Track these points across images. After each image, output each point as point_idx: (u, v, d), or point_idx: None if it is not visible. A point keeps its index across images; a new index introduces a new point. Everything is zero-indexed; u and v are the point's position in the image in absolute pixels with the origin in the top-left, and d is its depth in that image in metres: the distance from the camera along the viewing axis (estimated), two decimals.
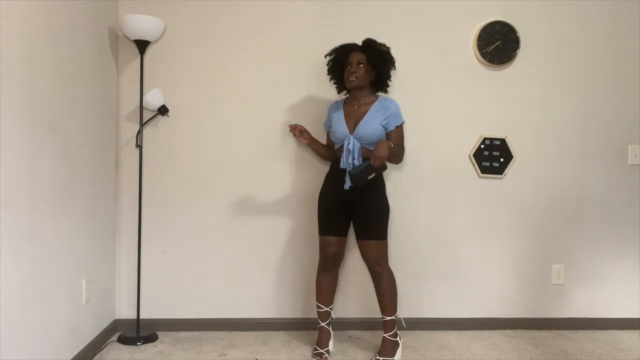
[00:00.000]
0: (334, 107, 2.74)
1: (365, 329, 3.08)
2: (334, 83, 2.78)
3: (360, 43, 2.64)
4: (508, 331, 3.14)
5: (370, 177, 2.47)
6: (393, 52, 3.05)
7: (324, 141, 2.92)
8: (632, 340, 3.03)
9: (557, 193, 3.19)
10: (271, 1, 3.04)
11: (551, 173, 3.18)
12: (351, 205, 2.60)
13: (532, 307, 3.20)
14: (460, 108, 3.13)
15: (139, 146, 2.90)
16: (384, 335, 2.64)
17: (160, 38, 2.99)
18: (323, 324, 2.73)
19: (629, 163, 3.21)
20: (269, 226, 3.08)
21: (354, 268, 3.09)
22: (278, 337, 2.97)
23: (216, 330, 3.05)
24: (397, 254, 3.11)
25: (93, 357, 2.64)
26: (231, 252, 3.07)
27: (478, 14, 3.11)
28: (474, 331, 3.12)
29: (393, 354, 2.63)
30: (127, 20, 2.73)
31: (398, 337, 2.66)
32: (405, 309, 3.10)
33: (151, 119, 2.98)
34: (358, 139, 2.55)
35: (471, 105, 3.13)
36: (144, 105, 2.90)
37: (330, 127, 2.70)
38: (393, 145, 2.47)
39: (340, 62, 2.64)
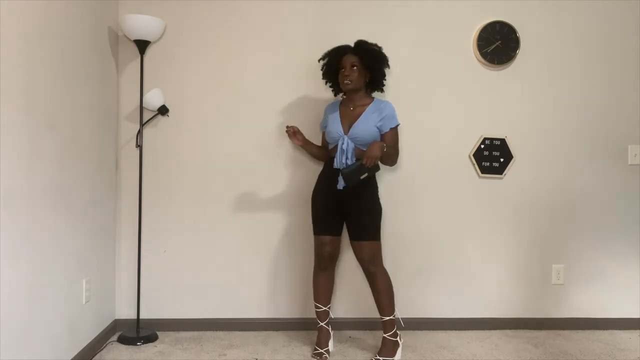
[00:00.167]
0: (330, 107, 2.74)
1: (365, 329, 3.08)
2: (330, 86, 2.79)
3: (352, 44, 2.65)
4: (508, 331, 3.14)
5: (362, 177, 2.47)
6: (393, 52, 3.05)
7: (319, 142, 2.92)
8: (632, 340, 3.03)
9: (557, 193, 3.19)
10: (271, 1, 3.04)
11: (551, 173, 3.18)
12: (344, 206, 2.60)
13: (532, 307, 3.20)
14: (460, 108, 3.13)
15: (139, 146, 2.90)
16: (384, 335, 2.64)
17: (160, 38, 2.99)
18: (322, 324, 2.73)
19: (629, 163, 3.21)
20: (269, 226, 3.08)
21: (354, 268, 3.09)
22: (278, 337, 2.97)
23: (216, 330, 3.06)
24: (397, 253, 3.11)
25: (93, 357, 2.64)
26: (231, 252, 3.07)
27: (478, 14, 3.11)
28: (474, 331, 3.12)
29: (393, 354, 2.63)
30: (127, 20, 2.73)
31: (398, 337, 2.66)
32: (406, 309, 3.10)
33: (151, 119, 2.98)
34: (352, 139, 2.56)
35: (471, 105, 3.13)
36: (144, 105, 2.90)
37: (325, 127, 2.71)
38: (386, 147, 2.49)
39: (333, 65, 2.65)
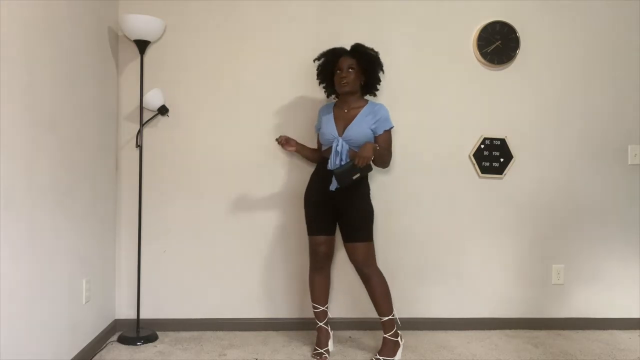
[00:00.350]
0: (324, 109, 2.75)
1: (366, 329, 3.08)
2: (323, 87, 2.79)
3: (348, 47, 2.67)
4: (508, 331, 3.14)
5: (355, 177, 2.48)
6: (393, 53, 3.06)
7: (314, 143, 2.92)
8: (632, 340, 3.03)
9: (557, 193, 3.19)
10: (271, 1, 3.04)
11: (551, 173, 3.18)
12: (337, 206, 2.61)
13: (532, 307, 3.20)
14: (460, 108, 3.13)
15: (139, 146, 2.90)
16: (385, 335, 2.64)
17: (160, 38, 2.99)
18: (321, 324, 2.73)
19: (629, 163, 3.21)
20: (269, 226, 3.08)
21: (350, 267, 3.08)
22: (278, 337, 2.97)
23: (216, 330, 3.06)
24: (397, 254, 3.11)
25: (93, 357, 2.64)
26: (231, 252, 3.07)
27: (478, 14, 3.11)
28: (474, 331, 3.12)
29: (393, 354, 2.63)
30: (127, 20, 2.73)
31: (399, 338, 2.66)
32: (406, 309, 3.10)
33: (151, 119, 2.98)
34: (347, 141, 2.56)
35: (471, 105, 3.13)
36: (144, 105, 2.90)
37: (320, 128, 2.71)
38: (379, 148, 2.52)
39: (329, 66, 2.65)
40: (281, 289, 3.11)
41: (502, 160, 3.14)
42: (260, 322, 3.08)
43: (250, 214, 3.07)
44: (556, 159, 3.18)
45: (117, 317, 3.04)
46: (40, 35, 2.10)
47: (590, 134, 3.19)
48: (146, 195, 3.00)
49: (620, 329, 3.20)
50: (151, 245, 3.03)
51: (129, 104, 3.01)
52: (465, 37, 3.11)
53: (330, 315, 2.81)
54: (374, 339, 2.94)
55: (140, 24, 2.74)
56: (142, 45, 2.83)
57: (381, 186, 3.07)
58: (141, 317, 3.00)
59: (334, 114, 2.66)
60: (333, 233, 2.69)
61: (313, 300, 2.73)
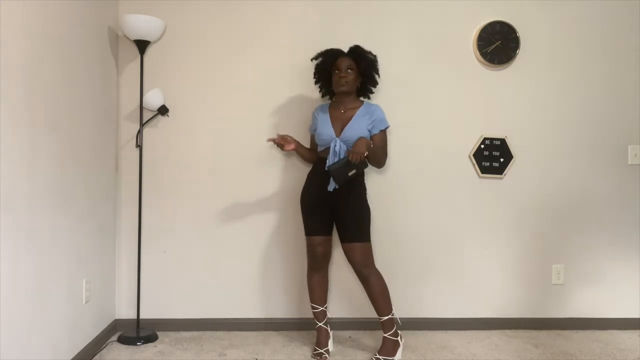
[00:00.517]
0: (319, 110, 2.74)
1: (366, 329, 3.08)
2: (318, 87, 2.79)
3: (347, 48, 2.67)
4: (508, 331, 3.14)
5: (350, 174, 2.48)
6: (393, 53, 3.07)
7: (307, 144, 2.91)
8: (632, 340, 3.03)
9: (557, 193, 3.19)
10: (271, 2, 3.04)
11: (551, 173, 3.18)
12: (333, 206, 2.61)
13: (532, 307, 3.20)
14: (460, 108, 3.13)
15: (139, 146, 2.90)
16: (384, 335, 2.64)
17: (160, 38, 2.99)
18: (321, 324, 2.73)
19: (629, 163, 3.21)
20: (269, 226, 3.08)
21: (348, 267, 3.08)
22: (278, 337, 2.97)
23: (216, 330, 3.06)
24: (397, 254, 3.11)
25: (93, 357, 2.64)
26: (231, 251, 3.07)
27: (478, 14, 3.11)
28: (474, 331, 3.12)
29: (393, 353, 2.63)
30: (127, 20, 2.73)
31: (399, 337, 2.66)
32: (406, 309, 3.10)
33: (151, 119, 2.98)
34: (344, 142, 2.57)
35: (471, 105, 3.13)
36: (144, 105, 2.90)
37: (315, 130, 2.71)
38: (374, 146, 2.53)
39: (327, 66, 2.66)
40: (281, 289, 3.11)
41: (502, 160, 3.14)
42: (260, 322, 3.08)
43: (250, 214, 3.07)
44: (556, 159, 3.18)
45: (117, 317, 3.04)
46: (40, 35, 2.10)
47: (590, 134, 3.19)
48: (146, 195, 3.00)
49: (620, 329, 3.20)
50: (151, 245, 3.03)
51: (129, 104, 3.01)
52: (465, 37, 3.11)
53: (329, 315, 2.81)
54: (373, 338, 2.94)
55: (140, 24, 2.74)
56: (142, 45, 2.83)
57: (381, 186, 3.07)
58: (141, 317, 3.00)
59: (330, 115, 2.67)
60: (330, 233, 2.70)
61: (312, 301, 2.73)
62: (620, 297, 3.22)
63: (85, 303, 2.59)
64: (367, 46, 2.74)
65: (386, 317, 2.62)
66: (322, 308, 2.73)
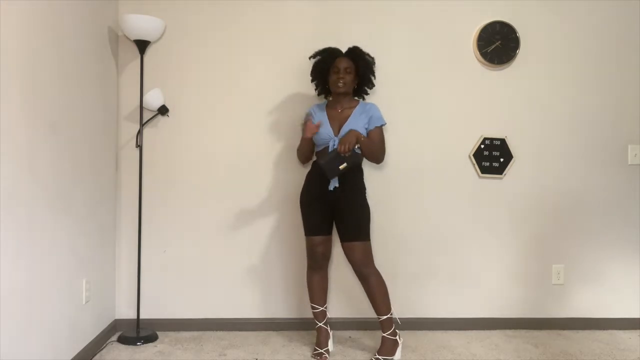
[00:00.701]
0: (316, 109, 2.74)
1: (365, 329, 3.08)
2: (315, 84, 2.77)
3: (345, 49, 2.67)
4: (508, 331, 3.14)
5: (342, 168, 2.48)
6: (393, 52, 3.08)
7: (293, 140, 2.88)
8: (632, 340, 3.03)
9: (557, 193, 3.19)
10: (271, 1, 3.04)
11: (551, 173, 3.18)
12: (333, 206, 2.61)
13: (532, 307, 3.20)
14: (460, 108, 3.13)
15: (139, 146, 2.90)
16: (383, 334, 2.64)
17: (160, 38, 2.99)
18: (321, 324, 2.73)
19: (629, 163, 3.21)
20: (269, 225, 3.08)
21: (348, 267, 3.08)
22: (278, 337, 2.97)
23: (216, 330, 3.06)
24: (397, 254, 3.11)
25: (93, 357, 2.64)
26: (231, 251, 3.07)
27: (478, 14, 3.11)
28: (474, 331, 3.12)
29: (393, 353, 2.63)
30: (127, 20, 2.73)
31: (397, 336, 2.66)
32: (406, 309, 3.10)
33: (151, 119, 2.98)
34: None
35: (471, 105, 3.13)
36: (144, 105, 2.90)
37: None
38: (369, 140, 2.53)
39: (326, 65, 2.65)
40: (281, 289, 3.11)
41: (502, 160, 3.14)
42: (260, 322, 3.08)
43: (250, 214, 3.07)
44: (556, 158, 3.18)
45: (117, 317, 3.04)
46: (40, 36, 2.10)
47: (590, 134, 3.19)
48: (146, 195, 3.00)
49: (620, 329, 3.20)
50: (151, 245, 3.03)
51: (129, 104, 3.01)
52: (465, 37, 3.11)
53: (329, 315, 2.81)
54: (373, 338, 2.94)
55: (140, 24, 2.74)
56: (142, 45, 2.83)
57: (381, 186, 3.07)
58: (141, 317, 3.00)
59: (327, 115, 2.67)
60: (330, 233, 2.70)
61: (312, 301, 2.73)
62: (620, 297, 3.22)
63: (85, 303, 2.59)
64: (367, 46, 2.74)
65: (385, 317, 2.62)
66: (322, 308, 2.73)
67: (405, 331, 3.05)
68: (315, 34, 3.01)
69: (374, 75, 2.72)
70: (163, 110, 2.94)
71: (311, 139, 2.66)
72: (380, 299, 2.60)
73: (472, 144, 3.14)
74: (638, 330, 3.20)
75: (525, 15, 3.12)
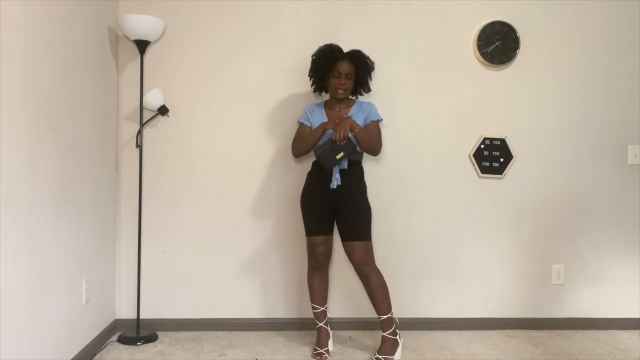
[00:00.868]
0: (314, 108, 2.74)
1: (365, 329, 3.08)
2: (312, 83, 2.75)
3: (347, 48, 2.65)
4: (508, 331, 3.14)
5: (339, 157, 2.48)
6: (393, 52, 3.08)
7: (291, 139, 2.84)
8: (632, 340, 3.03)
9: (557, 193, 3.19)
10: (271, 1, 3.04)
11: (551, 173, 3.18)
12: (335, 205, 2.61)
13: (532, 307, 3.20)
14: (460, 108, 3.13)
15: (139, 146, 2.90)
16: (383, 334, 2.64)
17: (160, 38, 2.99)
18: (321, 324, 2.73)
19: (629, 163, 3.21)
20: (269, 225, 3.08)
21: (348, 267, 3.07)
22: (278, 337, 2.97)
23: (216, 330, 3.06)
24: (397, 253, 3.11)
25: (93, 357, 2.64)
26: (231, 251, 3.07)
27: (478, 14, 3.11)
28: (474, 331, 3.12)
29: (393, 353, 2.63)
30: (127, 20, 2.73)
31: (398, 336, 2.66)
32: (406, 309, 3.10)
33: (151, 119, 2.98)
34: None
35: (471, 105, 3.13)
36: (144, 105, 2.90)
37: (310, 125, 2.69)
38: (360, 129, 2.52)
39: (327, 68, 2.61)
40: (281, 289, 3.11)
41: (502, 160, 3.14)
42: (260, 322, 3.08)
43: (250, 213, 3.07)
44: (556, 159, 3.18)
45: (117, 317, 3.04)
46: (40, 36, 2.10)
47: (590, 134, 3.19)
48: (146, 195, 3.00)
49: (620, 329, 3.20)
50: (151, 245, 3.03)
51: (129, 104, 3.01)
52: (465, 37, 3.11)
53: (329, 315, 2.81)
54: (373, 338, 2.94)
55: (140, 24, 2.74)
56: (142, 45, 2.83)
57: (381, 186, 3.07)
58: (141, 317, 3.00)
59: (326, 114, 2.68)
60: (331, 233, 2.70)
61: (312, 301, 2.73)
62: (620, 297, 3.22)
63: (85, 303, 2.59)
64: (366, 46, 2.74)
65: (385, 316, 2.62)
66: (322, 308, 2.73)
67: (405, 331, 3.05)
68: (315, 34, 3.01)
69: (371, 79, 2.73)
70: (163, 110, 2.94)
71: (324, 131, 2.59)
72: (380, 299, 2.60)
73: (472, 144, 3.14)
74: (638, 330, 3.20)
75: (525, 15, 3.12)
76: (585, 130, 3.19)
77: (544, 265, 3.20)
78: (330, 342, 2.75)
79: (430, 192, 3.13)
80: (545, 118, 3.17)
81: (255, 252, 3.08)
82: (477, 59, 3.12)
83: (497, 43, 3.09)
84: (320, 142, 2.59)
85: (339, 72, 2.59)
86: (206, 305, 3.07)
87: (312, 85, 2.78)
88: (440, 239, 3.15)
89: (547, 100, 3.16)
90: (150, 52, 2.99)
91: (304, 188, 2.73)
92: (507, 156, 3.14)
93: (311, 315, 2.78)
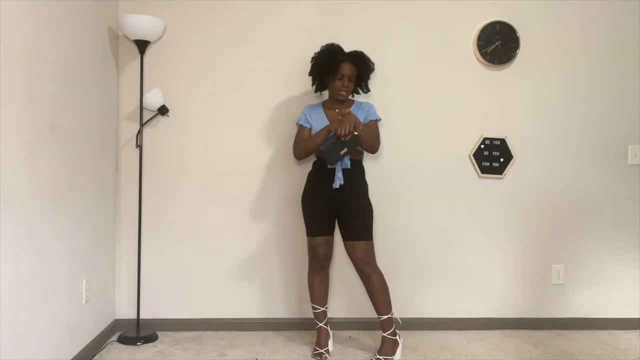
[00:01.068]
0: (312, 109, 2.73)
1: (365, 329, 3.08)
2: (312, 80, 2.73)
3: (347, 48, 2.65)
4: (508, 331, 3.14)
5: (342, 153, 2.49)
6: (393, 52, 3.08)
7: (293, 140, 2.83)
8: (632, 340, 3.03)
9: (557, 193, 3.19)
10: (271, 1, 3.04)
11: (551, 173, 3.18)
12: (336, 205, 2.61)
13: (532, 307, 3.20)
14: (460, 108, 3.13)
15: (139, 146, 2.90)
16: (383, 334, 2.64)
17: (160, 38, 2.99)
18: (321, 324, 2.73)
19: (629, 163, 3.21)
20: (269, 225, 3.08)
21: (349, 267, 3.07)
22: (278, 337, 2.97)
23: (216, 330, 3.06)
24: (397, 253, 3.11)
25: (93, 357, 2.64)
26: (231, 251, 3.07)
27: (478, 14, 3.11)
28: (474, 331, 3.12)
29: (393, 353, 2.63)
30: (127, 20, 2.73)
31: (397, 336, 2.66)
32: (406, 309, 3.10)
33: (151, 119, 2.98)
34: None
35: (471, 105, 3.13)
36: (144, 105, 2.90)
37: (310, 126, 2.69)
38: (364, 126, 2.53)
39: (329, 69, 2.59)
40: (281, 289, 3.11)
41: (502, 160, 3.14)
42: (260, 322, 3.08)
43: (250, 213, 3.07)
44: (556, 159, 3.18)
45: (117, 317, 3.04)
46: (40, 35, 2.10)
47: (590, 134, 3.19)
48: (146, 195, 3.00)
49: (620, 329, 3.20)
50: (151, 245, 3.03)
51: (129, 104, 3.01)
52: (465, 37, 3.11)
53: (329, 315, 2.81)
54: (373, 338, 2.94)
55: (140, 24, 2.74)
56: (142, 45, 2.83)
57: (381, 185, 3.07)
58: (141, 317, 3.00)
59: (325, 114, 2.68)
60: (332, 233, 2.70)
61: (313, 301, 2.73)
62: (620, 297, 3.22)
63: (85, 303, 2.59)
64: (366, 46, 2.74)
65: (386, 317, 2.62)
66: (322, 308, 2.73)
67: (405, 331, 3.05)
68: (316, 35, 3.01)
69: (369, 79, 2.74)
70: (163, 110, 2.94)
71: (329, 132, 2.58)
72: (381, 299, 2.60)
73: (472, 144, 3.14)
74: (638, 330, 3.20)
75: (525, 15, 3.12)
76: (586, 130, 3.19)
77: (544, 265, 3.20)
78: (330, 342, 2.75)
79: (430, 192, 3.13)
80: (545, 118, 3.17)
81: (255, 252, 3.08)
82: (477, 59, 3.12)
83: (497, 43, 3.09)
84: None
85: (342, 74, 2.58)
86: (206, 305, 3.07)
87: (312, 85, 2.78)
88: (440, 239, 3.15)
89: (547, 100, 3.17)
90: (150, 52, 2.99)
91: (305, 188, 2.73)
92: (507, 156, 3.14)
93: (311, 315, 2.78)
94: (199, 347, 2.80)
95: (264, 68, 3.05)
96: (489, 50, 3.09)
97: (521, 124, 3.16)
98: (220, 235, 3.06)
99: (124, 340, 2.84)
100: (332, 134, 2.53)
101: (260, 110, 3.06)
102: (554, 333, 3.12)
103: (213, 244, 3.06)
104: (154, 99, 2.88)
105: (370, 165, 3.00)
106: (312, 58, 2.69)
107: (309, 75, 2.73)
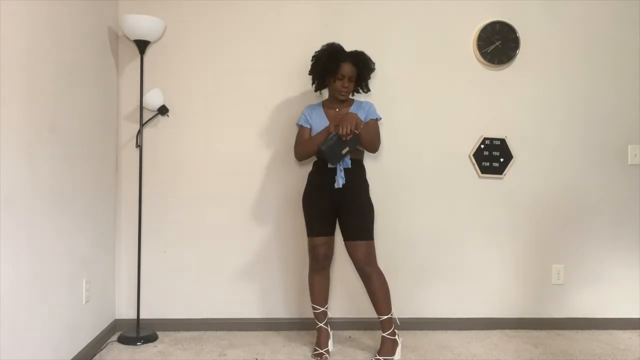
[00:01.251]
0: (312, 109, 2.72)
1: (365, 329, 3.08)
2: (312, 79, 2.72)
3: (347, 48, 2.65)
4: (508, 331, 3.14)
5: (344, 152, 2.49)
6: (393, 52, 3.07)
7: (293, 140, 2.85)
8: (632, 340, 3.03)
9: (557, 193, 3.19)
10: (271, 1, 3.04)
11: (551, 173, 3.18)
12: (337, 205, 2.61)
13: (532, 307, 3.20)
14: (460, 108, 3.13)
15: (139, 146, 2.90)
16: (383, 334, 2.64)
17: (160, 38, 2.99)
18: (321, 324, 2.73)
19: (629, 163, 3.21)
20: (269, 226, 3.08)
21: (350, 267, 3.08)
22: (278, 337, 2.97)
23: (216, 330, 3.06)
24: (397, 253, 3.11)
25: (93, 357, 2.64)
26: (231, 251, 3.07)
27: (478, 14, 3.11)
28: (474, 331, 3.12)
29: (393, 353, 2.63)
30: (127, 20, 2.73)
31: (397, 336, 2.66)
32: (406, 309, 3.10)
33: (151, 119, 2.98)
34: None
35: (471, 105, 3.13)
36: (144, 105, 2.90)
37: (310, 126, 2.69)
38: (365, 125, 2.54)
39: (330, 69, 2.59)
40: (281, 289, 3.11)
41: (502, 160, 3.14)
42: (260, 322, 3.08)
43: (250, 213, 3.07)
44: (556, 159, 3.18)
45: (117, 317, 3.04)
46: (40, 36, 2.10)
47: (590, 134, 3.19)
48: (146, 195, 3.00)
49: (620, 329, 3.20)
50: (151, 245, 3.03)
51: (129, 104, 3.01)
52: (465, 37, 3.11)
53: (330, 315, 2.81)
54: (373, 338, 2.94)
55: (140, 24, 2.74)
56: (142, 45, 2.83)
57: (381, 186, 3.07)
58: (141, 317, 3.00)
59: (325, 114, 2.68)
60: (333, 233, 2.70)
61: (313, 302, 2.73)
62: (620, 297, 3.22)
63: (85, 303, 2.59)
64: (366, 46, 2.75)
65: (385, 317, 2.62)
66: (323, 309, 2.73)
67: (405, 331, 3.05)
68: (315, 34, 3.01)
69: (369, 79, 2.74)
70: (163, 110, 2.94)
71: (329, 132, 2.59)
72: (381, 299, 2.60)
73: (472, 144, 3.14)
74: (638, 330, 3.20)
75: (525, 15, 3.12)
76: (586, 130, 3.19)
77: (544, 265, 3.20)
78: (330, 342, 2.75)
79: (430, 192, 3.13)
80: (545, 118, 3.17)
81: (255, 252, 3.08)
82: (477, 59, 3.12)
83: (497, 43, 3.09)
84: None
85: (342, 74, 2.58)
86: (206, 305, 3.07)
87: (312, 84, 2.78)
88: (440, 239, 3.15)
89: (547, 100, 3.17)
90: (150, 52, 2.99)
91: (306, 188, 2.73)
92: (507, 156, 3.14)
93: (311, 315, 2.79)
94: (199, 347, 2.80)
95: (264, 68, 3.05)
96: (489, 50, 3.09)
97: (521, 124, 3.16)
98: (220, 236, 3.06)
99: (124, 340, 2.84)
100: (333, 133, 2.53)
101: (260, 111, 3.06)
102: (554, 333, 3.12)
103: (213, 244, 3.06)
104: (154, 99, 2.88)
105: (371, 165, 3.00)
106: (313, 57, 2.68)
107: (309, 74, 2.73)
